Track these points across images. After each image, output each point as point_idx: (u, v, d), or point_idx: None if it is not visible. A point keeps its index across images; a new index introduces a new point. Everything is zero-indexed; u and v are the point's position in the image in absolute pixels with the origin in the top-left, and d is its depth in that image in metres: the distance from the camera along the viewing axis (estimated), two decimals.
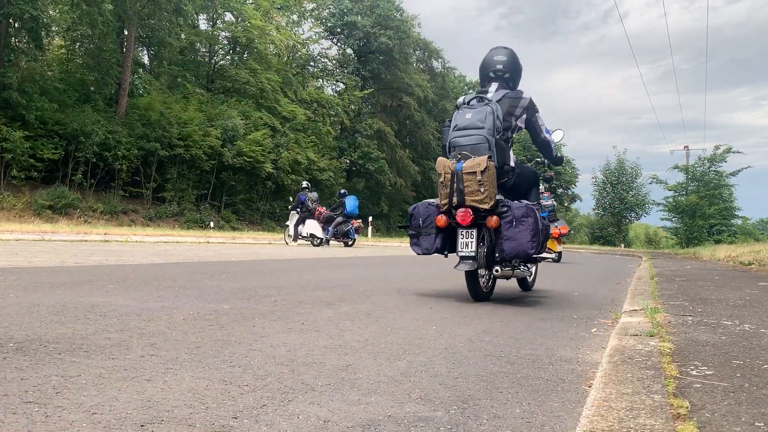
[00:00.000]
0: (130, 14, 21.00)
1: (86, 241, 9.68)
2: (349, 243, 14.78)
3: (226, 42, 28.45)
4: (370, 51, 35.38)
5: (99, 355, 1.81)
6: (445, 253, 3.85)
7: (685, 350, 2.05)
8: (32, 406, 1.30)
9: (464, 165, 3.51)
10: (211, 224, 21.07)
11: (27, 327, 2.17)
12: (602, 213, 38.32)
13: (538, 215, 3.50)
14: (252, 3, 27.90)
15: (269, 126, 25.52)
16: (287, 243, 14.51)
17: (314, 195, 14.84)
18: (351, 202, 14.66)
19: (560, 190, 38.18)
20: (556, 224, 10.30)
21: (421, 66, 40.25)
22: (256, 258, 7.49)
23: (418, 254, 3.86)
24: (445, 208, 3.66)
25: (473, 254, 3.56)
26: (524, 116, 3.81)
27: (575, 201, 41.97)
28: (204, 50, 28.56)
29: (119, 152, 19.42)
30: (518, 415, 1.45)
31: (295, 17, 32.25)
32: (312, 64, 34.78)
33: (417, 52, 39.50)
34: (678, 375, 1.68)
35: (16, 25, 18.47)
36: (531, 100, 3.80)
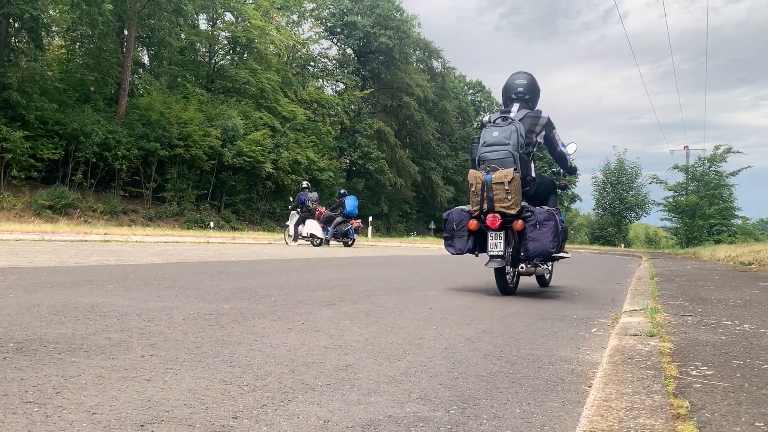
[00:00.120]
0: (130, 14, 21.00)
1: (86, 241, 9.68)
2: (349, 243, 14.78)
3: (226, 42, 28.44)
4: (370, 51, 35.38)
5: (99, 355, 1.81)
6: (476, 252, 4.32)
7: (685, 350, 2.05)
8: (32, 406, 1.30)
9: (493, 176, 3.97)
10: (211, 224, 21.07)
11: (27, 327, 2.16)
12: (602, 213, 38.32)
13: (557, 219, 3.99)
14: (252, 3, 27.89)
15: (269, 126, 25.50)
16: (287, 243, 14.51)
17: (314, 195, 14.84)
18: (351, 202, 14.67)
19: (560, 190, 38.15)
20: None
21: (421, 66, 40.27)
22: (256, 258, 7.49)
23: (452, 254, 4.37)
24: (476, 213, 4.14)
25: (501, 253, 4.03)
26: (543, 133, 4.32)
27: (575, 201, 42.02)
28: (204, 50, 28.55)
29: (119, 152, 19.41)
30: (518, 415, 1.45)
31: (295, 17, 32.24)
32: (312, 64, 34.78)
33: (417, 52, 39.53)
34: (678, 375, 1.68)
35: (16, 25, 18.46)
36: (549, 118, 4.30)
